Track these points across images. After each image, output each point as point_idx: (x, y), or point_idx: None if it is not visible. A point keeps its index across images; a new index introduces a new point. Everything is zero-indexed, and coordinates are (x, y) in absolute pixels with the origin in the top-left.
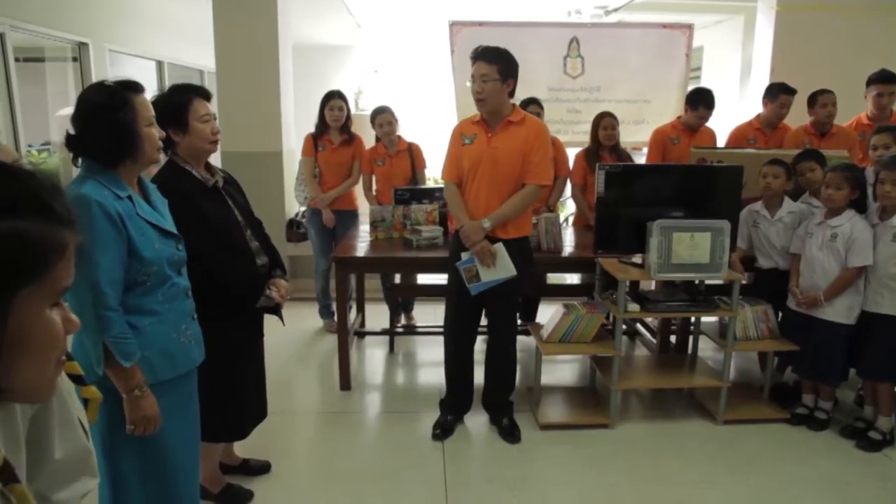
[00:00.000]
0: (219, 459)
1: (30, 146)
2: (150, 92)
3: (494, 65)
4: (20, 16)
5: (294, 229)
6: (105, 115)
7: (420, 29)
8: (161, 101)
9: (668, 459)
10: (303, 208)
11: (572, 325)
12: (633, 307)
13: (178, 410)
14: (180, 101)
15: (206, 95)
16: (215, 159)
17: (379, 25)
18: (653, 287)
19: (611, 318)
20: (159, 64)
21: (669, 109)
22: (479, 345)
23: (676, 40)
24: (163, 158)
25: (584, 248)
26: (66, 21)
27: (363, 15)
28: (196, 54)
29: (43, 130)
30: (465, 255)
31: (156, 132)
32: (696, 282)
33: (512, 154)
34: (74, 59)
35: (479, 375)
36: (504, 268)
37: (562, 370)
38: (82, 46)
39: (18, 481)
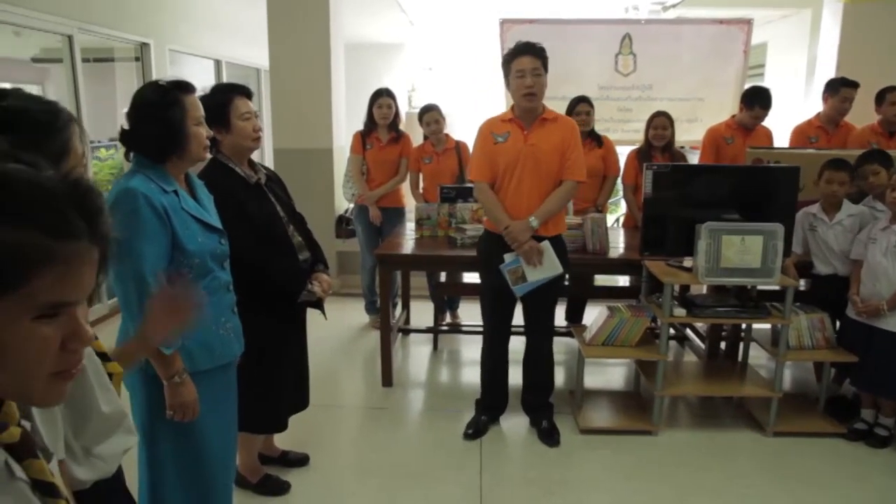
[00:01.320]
0: (258, 450)
1: (98, 142)
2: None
3: (540, 59)
4: (87, 18)
5: (343, 226)
6: (156, 112)
7: (473, 26)
8: (203, 101)
9: (712, 470)
10: (350, 205)
11: (616, 329)
12: (679, 311)
13: (215, 400)
14: (222, 100)
15: (248, 94)
16: (267, 157)
17: (432, 23)
18: (704, 291)
19: (658, 322)
20: (217, 63)
21: (725, 108)
22: (518, 345)
23: (733, 36)
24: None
25: (631, 249)
26: (129, 22)
27: (416, 13)
28: (253, 53)
29: (111, 127)
30: (508, 257)
31: (203, 131)
32: (749, 287)
33: (553, 151)
34: (137, 59)
35: (518, 377)
36: (551, 266)
37: (607, 373)
38: (144, 47)
39: (36, 457)
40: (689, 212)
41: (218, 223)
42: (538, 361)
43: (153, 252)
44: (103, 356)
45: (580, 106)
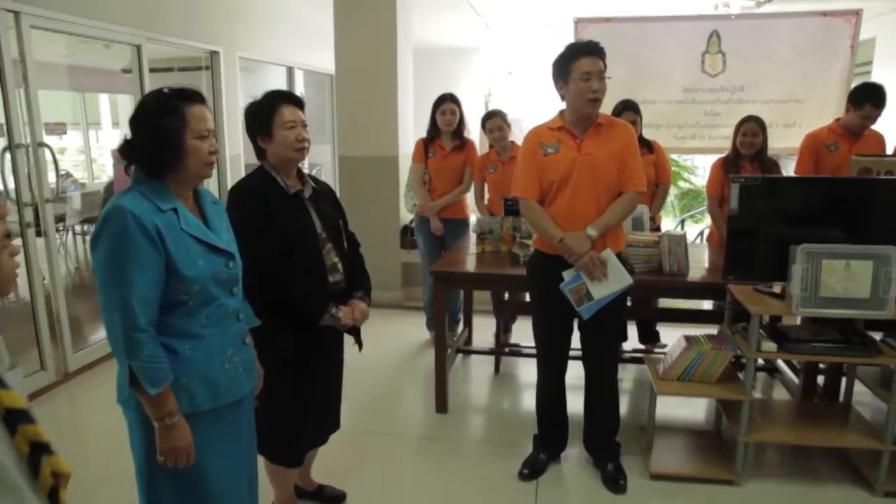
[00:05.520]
0: (294, 482)
1: None
2: None
3: (603, 60)
4: (156, 28)
5: (408, 236)
6: (151, 122)
7: (552, 28)
8: (250, 109)
9: None
10: (411, 216)
11: (694, 363)
12: (769, 346)
13: (222, 442)
14: (267, 107)
15: (296, 102)
16: (335, 164)
17: (508, 26)
18: (798, 320)
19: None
20: (289, 70)
21: (828, 110)
22: (580, 370)
23: (839, 30)
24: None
25: (715, 270)
26: (198, 31)
27: (491, 15)
28: (327, 59)
29: None
30: (567, 275)
31: (206, 146)
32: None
33: (611, 159)
34: (206, 68)
35: (580, 405)
36: (618, 277)
37: (682, 407)
38: (213, 55)
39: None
40: (783, 230)
41: (226, 244)
42: (600, 397)
43: (143, 279)
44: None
45: (626, 114)
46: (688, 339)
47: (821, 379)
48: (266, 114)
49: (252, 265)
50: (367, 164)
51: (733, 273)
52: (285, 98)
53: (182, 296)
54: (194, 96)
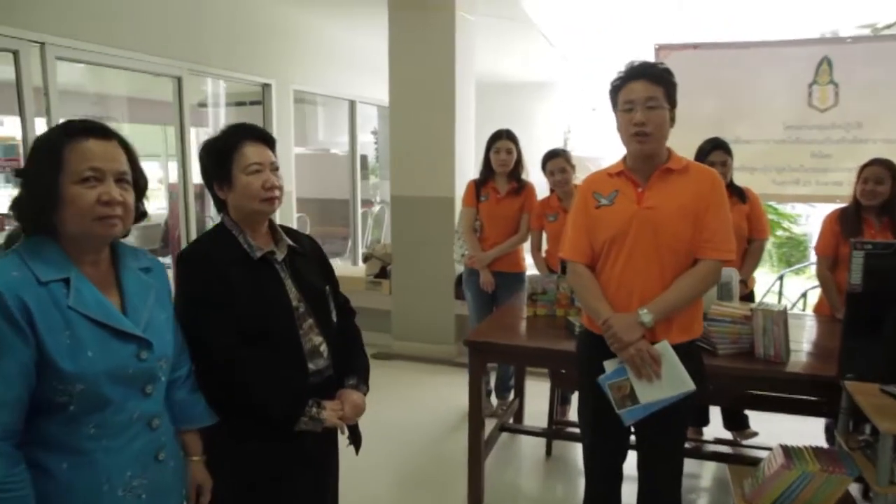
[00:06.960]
0: None
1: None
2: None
3: (660, 86)
4: (201, 60)
5: (462, 286)
6: (30, 162)
7: (638, 58)
8: (205, 148)
9: None
10: (461, 268)
11: (795, 487)
12: None
13: None
14: (224, 147)
15: (263, 138)
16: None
17: (588, 57)
18: None
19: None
20: (351, 103)
21: None
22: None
23: None
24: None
25: (824, 357)
26: (247, 63)
27: (567, 46)
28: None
29: None
30: (609, 366)
31: (93, 194)
32: None
33: (678, 215)
34: (254, 103)
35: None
36: (674, 380)
37: None
38: (265, 87)
39: None
40: None
41: (143, 327)
42: None
43: None
44: None
45: (715, 154)
46: (787, 451)
47: None
48: (223, 155)
49: (202, 355)
50: (420, 205)
51: (853, 371)
52: (248, 134)
53: (60, 396)
54: (87, 129)
